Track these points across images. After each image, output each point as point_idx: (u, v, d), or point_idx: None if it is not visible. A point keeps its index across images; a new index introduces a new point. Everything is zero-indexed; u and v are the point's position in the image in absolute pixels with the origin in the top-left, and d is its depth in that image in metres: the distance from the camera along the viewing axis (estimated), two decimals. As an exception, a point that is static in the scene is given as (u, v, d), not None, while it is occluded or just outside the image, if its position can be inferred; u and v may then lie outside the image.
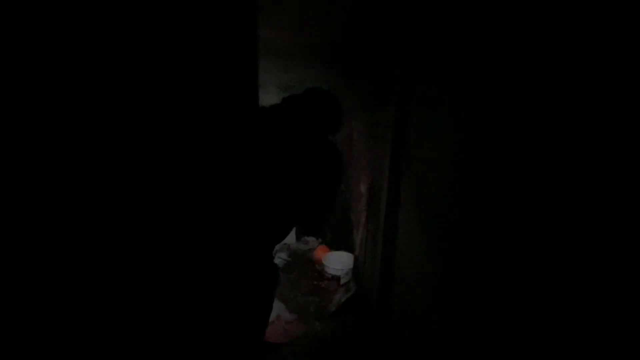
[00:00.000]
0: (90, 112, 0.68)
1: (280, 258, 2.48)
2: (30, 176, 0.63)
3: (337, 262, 2.36)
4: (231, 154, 0.93)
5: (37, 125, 0.63)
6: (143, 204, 0.77)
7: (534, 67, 0.69)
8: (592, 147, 0.56)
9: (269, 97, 2.54)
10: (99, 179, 0.71)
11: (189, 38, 0.77)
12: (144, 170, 0.77)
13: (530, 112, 0.70)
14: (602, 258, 0.54)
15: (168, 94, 0.78)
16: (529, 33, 0.70)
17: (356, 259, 2.35)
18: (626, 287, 0.50)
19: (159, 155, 0.78)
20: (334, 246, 2.55)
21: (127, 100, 0.72)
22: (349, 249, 2.45)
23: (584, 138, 0.57)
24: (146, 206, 0.78)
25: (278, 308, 2.01)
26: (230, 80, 0.89)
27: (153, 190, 0.79)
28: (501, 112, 0.80)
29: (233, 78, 0.90)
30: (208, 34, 0.80)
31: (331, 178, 1.19)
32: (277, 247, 1.87)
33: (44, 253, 0.67)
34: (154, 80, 0.75)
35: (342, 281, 2.28)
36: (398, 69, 1.49)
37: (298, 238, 2.75)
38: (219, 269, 0.93)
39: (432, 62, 1.25)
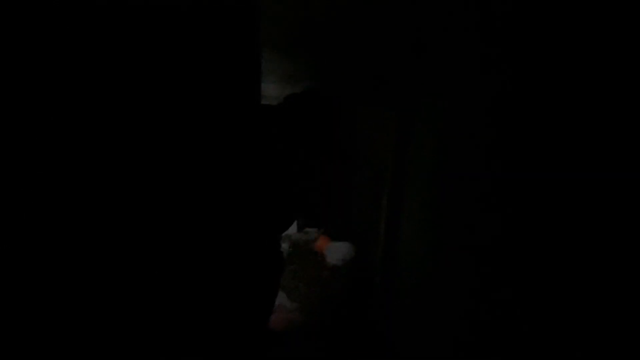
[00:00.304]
0: (91, 112, 0.67)
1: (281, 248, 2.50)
2: (30, 176, 0.63)
3: (338, 252, 2.37)
4: (234, 151, 0.93)
5: (36, 125, 0.62)
6: (147, 199, 0.77)
7: (530, 68, 0.69)
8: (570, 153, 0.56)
9: (270, 87, 2.52)
10: (102, 179, 0.70)
11: (189, 37, 0.77)
12: (148, 163, 0.77)
13: (528, 112, 0.70)
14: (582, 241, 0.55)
15: (170, 92, 0.77)
16: (527, 39, 0.70)
17: (357, 250, 2.37)
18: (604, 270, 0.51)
19: (162, 151, 0.78)
20: (335, 237, 2.57)
21: (128, 100, 0.72)
22: (350, 239, 2.47)
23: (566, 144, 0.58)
24: (150, 201, 0.78)
25: (279, 297, 2.03)
26: (231, 78, 0.88)
27: (157, 185, 0.79)
28: (499, 112, 0.80)
29: (234, 76, 0.89)
30: (208, 33, 0.79)
31: (332, 174, 1.20)
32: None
33: (44, 253, 0.66)
34: (155, 80, 0.74)
35: (343, 271, 2.30)
36: (401, 66, 1.48)
37: (299, 229, 2.77)
38: (225, 259, 0.93)
39: (433, 62, 1.25)
